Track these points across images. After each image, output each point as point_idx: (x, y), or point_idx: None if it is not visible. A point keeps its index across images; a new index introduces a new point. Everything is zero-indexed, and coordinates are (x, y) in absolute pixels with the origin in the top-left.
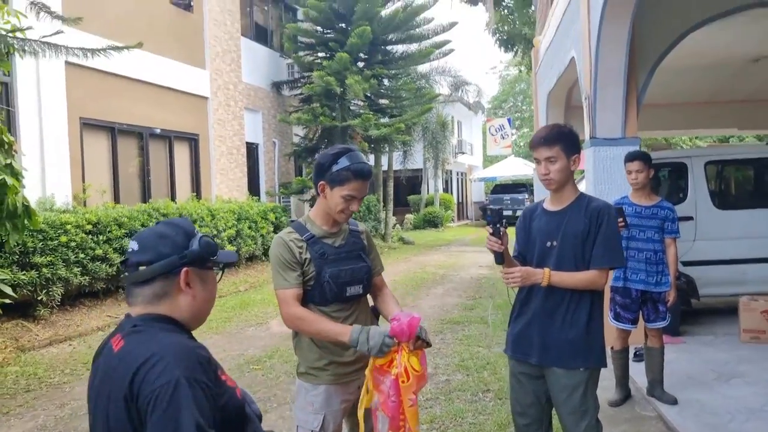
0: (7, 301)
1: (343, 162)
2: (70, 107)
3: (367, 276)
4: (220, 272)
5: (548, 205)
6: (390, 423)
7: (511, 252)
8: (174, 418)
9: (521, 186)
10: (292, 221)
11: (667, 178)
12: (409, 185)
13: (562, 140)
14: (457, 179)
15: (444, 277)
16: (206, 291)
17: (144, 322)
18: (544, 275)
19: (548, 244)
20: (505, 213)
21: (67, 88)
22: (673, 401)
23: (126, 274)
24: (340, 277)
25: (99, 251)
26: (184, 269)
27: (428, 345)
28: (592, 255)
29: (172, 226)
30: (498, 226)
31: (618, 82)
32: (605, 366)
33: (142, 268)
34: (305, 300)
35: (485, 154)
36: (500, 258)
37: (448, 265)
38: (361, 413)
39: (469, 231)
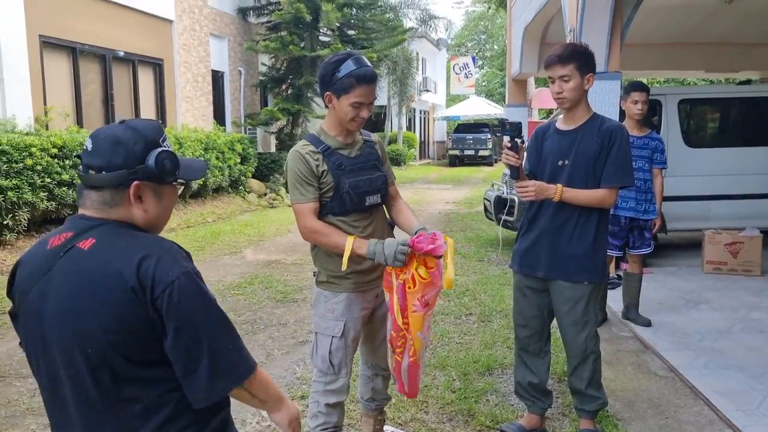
0: None
1: (345, 68)
2: (28, 23)
3: (383, 185)
4: (184, 184)
5: (561, 125)
6: (393, 324)
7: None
8: (204, 302)
9: (484, 126)
10: (307, 135)
11: None
12: (372, 122)
13: (577, 58)
14: (421, 117)
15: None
16: (160, 206)
17: (108, 224)
18: (557, 190)
19: (560, 162)
20: (467, 153)
21: (26, 4)
22: (647, 323)
23: (79, 170)
24: (360, 187)
25: (65, 176)
26: (135, 183)
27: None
28: (603, 174)
29: (132, 132)
30: (516, 140)
31: (604, 16)
32: (606, 281)
33: (91, 172)
34: (324, 212)
35: (448, 92)
36: (515, 172)
37: (416, 201)
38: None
39: (432, 170)
